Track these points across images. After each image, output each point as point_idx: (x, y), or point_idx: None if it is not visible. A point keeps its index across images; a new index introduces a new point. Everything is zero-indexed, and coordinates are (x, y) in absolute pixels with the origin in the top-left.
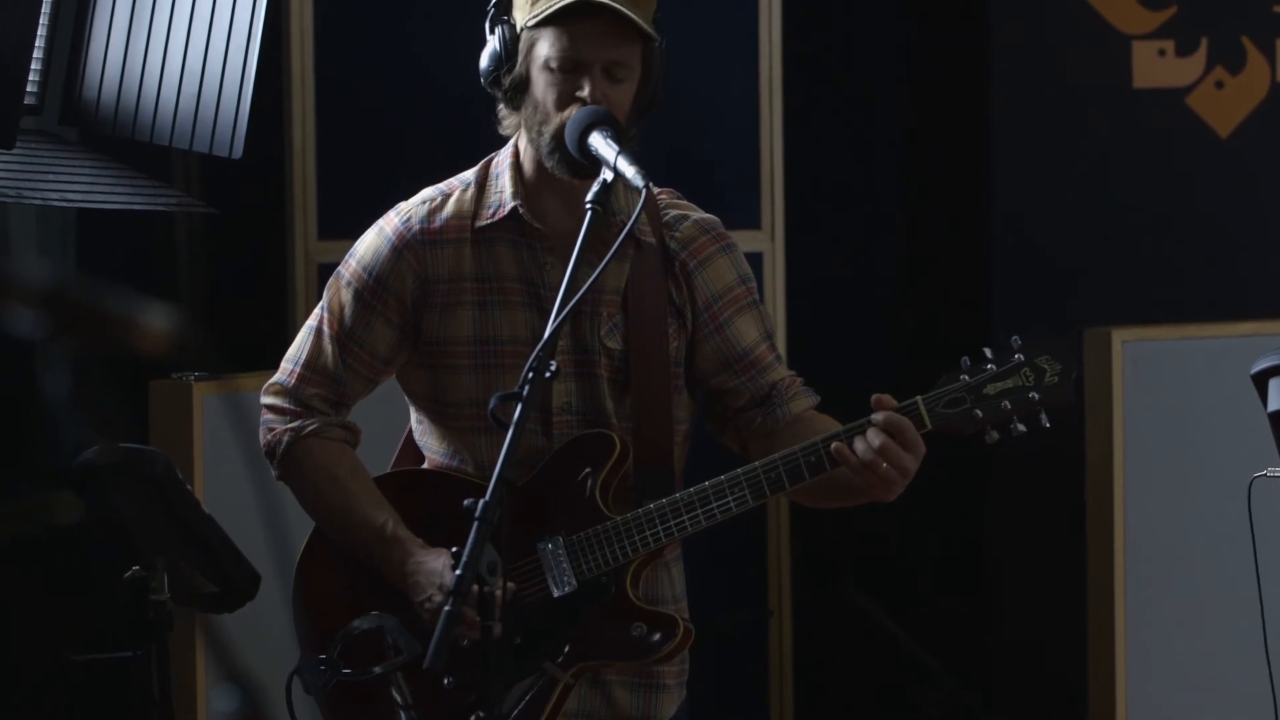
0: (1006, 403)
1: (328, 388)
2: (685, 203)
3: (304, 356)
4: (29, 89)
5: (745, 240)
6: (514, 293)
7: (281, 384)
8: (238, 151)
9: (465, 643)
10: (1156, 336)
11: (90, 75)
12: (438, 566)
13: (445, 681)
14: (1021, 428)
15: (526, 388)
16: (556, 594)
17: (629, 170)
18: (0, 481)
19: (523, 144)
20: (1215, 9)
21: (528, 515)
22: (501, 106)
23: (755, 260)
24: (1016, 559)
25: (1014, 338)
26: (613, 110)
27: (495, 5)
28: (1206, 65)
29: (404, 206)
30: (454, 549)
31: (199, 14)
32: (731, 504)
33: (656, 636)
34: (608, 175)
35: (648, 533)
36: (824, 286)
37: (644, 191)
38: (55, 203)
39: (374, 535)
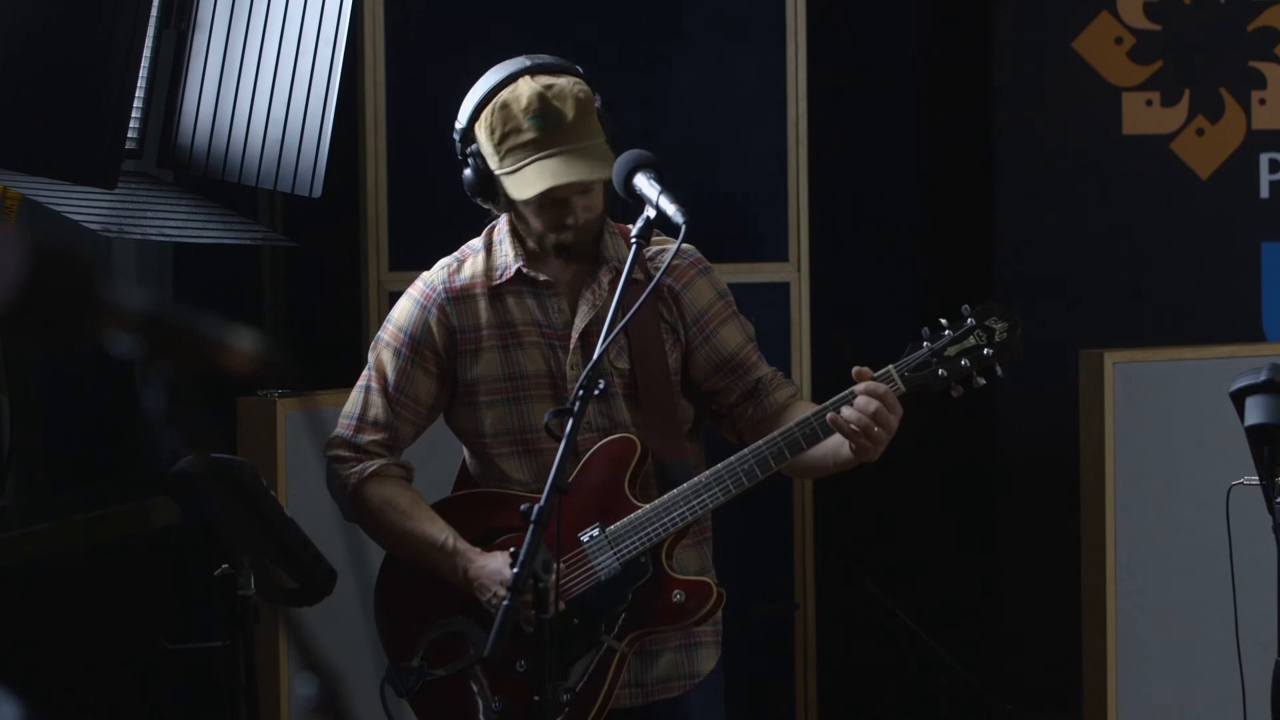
0: (965, 360)
1: (382, 434)
2: (663, 237)
3: (358, 411)
4: (129, 135)
5: (773, 271)
6: (529, 335)
7: (342, 437)
8: (317, 191)
9: (531, 629)
10: (1144, 358)
11: (185, 123)
12: (497, 566)
13: (518, 665)
14: (981, 380)
15: (577, 404)
16: (604, 577)
17: (670, 208)
18: (104, 489)
19: (523, 222)
20: (1197, 63)
21: (567, 514)
22: (479, 200)
23: (783, 289)
24: (1018, 559)
25: (964, 306)
26: (594, 213)
27: (460, 136)
28: (1189, 114)
29: (426, 275)
30: (511, 549)
31: (282, 68)
32: (744, 479)
33: (695, 600)
34: (650, 212)
35: (675, 514)
36: (846, 312)
37: (684, 227)
38: (153, 237)
39: (438, 550)
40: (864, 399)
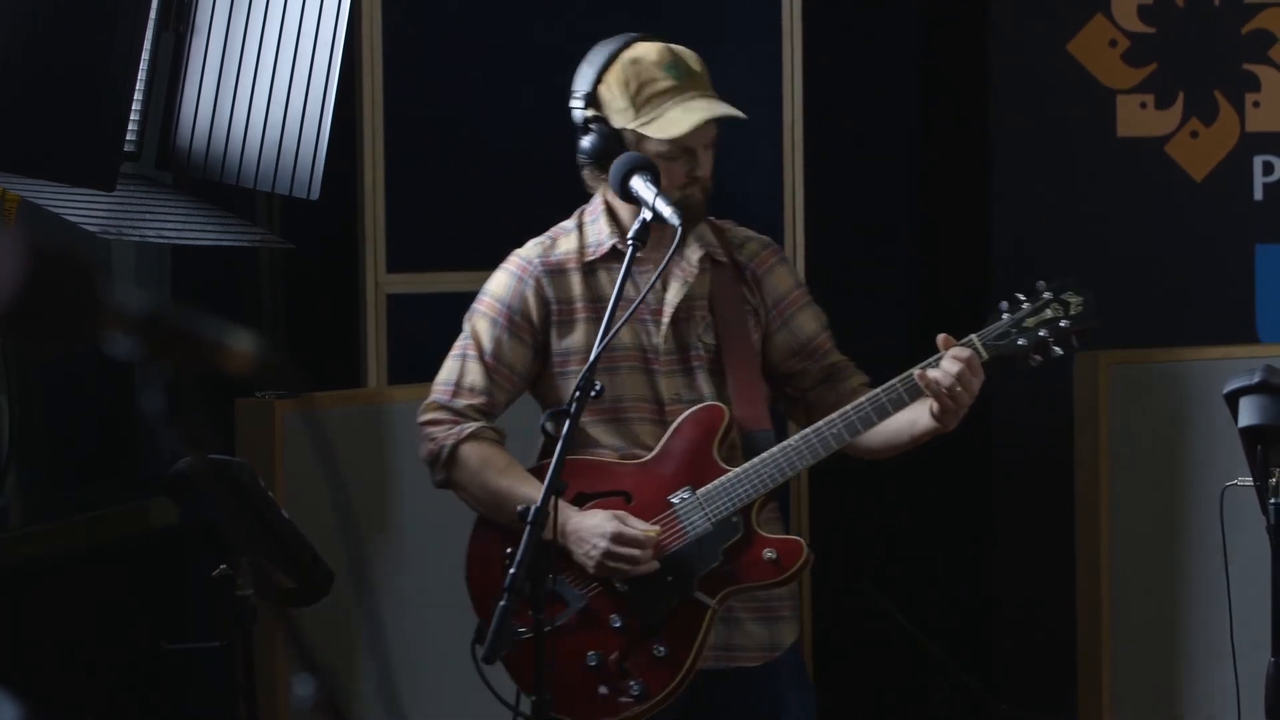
0: (1044, 331)
1: (479, 399)
2: (745, 229)
3: (455, 378)
4: (128, 137)
5: None
6: (621, 309)
7: (438, 401)
8: (315, 193)
9: (625, 588)
10: (1139, 360)
11: (183, 125)
12: (595, 522)
13: (612, 620)
14: (1058, 350)
15: (574, 405)
16: (695, 535)
17: (666, 210)
18: (103, 489)
19: (615, 201)
20: (1191, 66)
21: (659, 477)
22: (587, 172)
23: None
24: (1015, 559)
25: (1039, 281)
26: (709, 170)
27: (584, 101)
28: (1183, 116)
29: (521, 251)
30: (509, 545)
31: (280, 71)
32: (832, 442)
33: (786, 557)
34: (646, 214)
35: (765, 475)
36: (843, 315)
37: (679, 228)
38: (152, 239)
39: None
40: (949, 361)
